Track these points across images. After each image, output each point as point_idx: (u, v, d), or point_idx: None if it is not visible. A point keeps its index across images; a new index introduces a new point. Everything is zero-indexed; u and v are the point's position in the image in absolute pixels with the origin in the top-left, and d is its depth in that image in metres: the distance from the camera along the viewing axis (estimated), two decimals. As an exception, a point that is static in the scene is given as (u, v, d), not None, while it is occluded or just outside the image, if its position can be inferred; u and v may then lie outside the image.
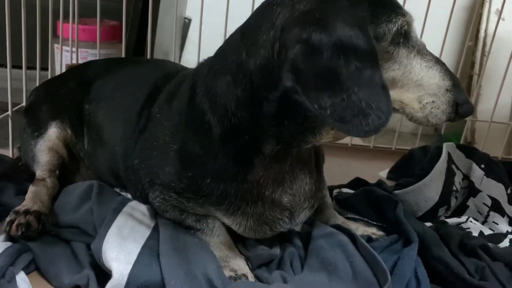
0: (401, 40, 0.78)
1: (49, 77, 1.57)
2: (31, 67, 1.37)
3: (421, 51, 0.81)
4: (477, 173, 1.27)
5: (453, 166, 1.26)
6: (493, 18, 2.11)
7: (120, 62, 1.30)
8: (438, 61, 0.82)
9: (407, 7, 1.50)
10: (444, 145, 1.29)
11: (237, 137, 0.84)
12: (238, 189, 0.88)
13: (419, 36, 0.83)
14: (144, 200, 1.01)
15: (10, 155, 1.28)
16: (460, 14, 2.19)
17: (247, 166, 0.86)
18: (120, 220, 0.93)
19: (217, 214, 0.93)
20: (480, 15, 2.13)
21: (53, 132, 1.14)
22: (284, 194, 0.92)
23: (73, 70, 1.34)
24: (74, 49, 1.60)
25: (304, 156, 0.91)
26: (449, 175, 1.22)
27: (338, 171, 1.33)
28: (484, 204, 1.23)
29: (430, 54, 0.82)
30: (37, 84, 1.41)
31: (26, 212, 0.97)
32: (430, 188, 1.19)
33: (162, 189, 0.95)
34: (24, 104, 1.33)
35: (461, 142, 1.83)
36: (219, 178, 0.88)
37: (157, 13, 1.89)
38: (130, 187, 1.06)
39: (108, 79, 1.20)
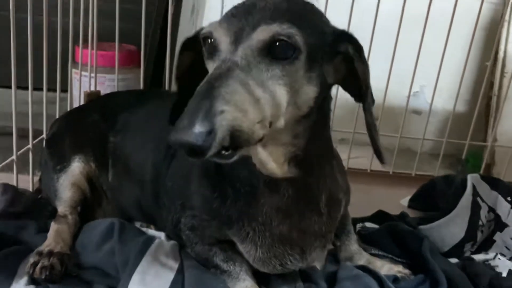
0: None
1: (69, 101, 1.58)
2: (51, 89, 1.37)
3: None
4: (503, 206, 1.25)
5: (478, 198, 1.24)
6: (512, 38, 2.08)
7: (145, 94, 1.29)
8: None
9: (429, 27, 1.53)
10: (469, 177, 1.27)
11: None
12: (242, 212, 0.88)
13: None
14: (175, 225, 1.00)
15: (30, 188, 1.27)
16: (478, 34, 2.16)
17: (243, 191, 0.87)
18: (143, 264, 0.92)
19: (234, 239, 0.92)
20: (499, 35, 2.10)
21: (76, 167, 1.13)
22: (293, 229, 0.90)
23: (95, 102, 1.33)
24: (92, 75, 1.60)
25: (304, 191, 0.89)
26: (475, 209, 1.20)
27: (357, 197, 1.30)
28: (512, 239, 1.21)
29: None
30: (57, 107, 1.41)
31: (50, 253, 0.96)
32: (455, 224, 1.17)
33: (191, 213, 0.95)
34: (44, 135, 1.33)
35: (482, 163, 1.82)
36: (224, 197, 0.89)
37: (176, 38, 1.88)
38: (163, 213, 1.05)
39: (136, 111, 1.19)
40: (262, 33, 0.70)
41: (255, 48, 0.71)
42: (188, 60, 0.87)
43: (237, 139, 0.64)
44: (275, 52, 0.71)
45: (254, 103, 0.68)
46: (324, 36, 0.77)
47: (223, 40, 0.73)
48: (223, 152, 0.65)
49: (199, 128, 0.60)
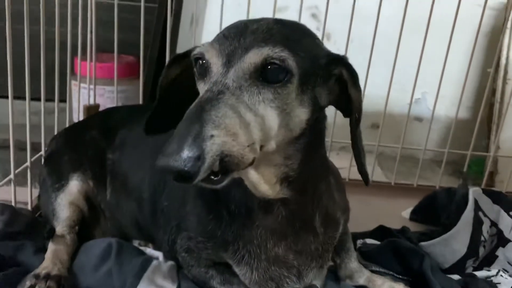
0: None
1: (67, 113, 1.57)
2: (49, 99, 1.36)
3: None
4: (506, 221, 1.23)
5: (480, 213, 1.23)
6: (515, 45, 2.07)
7: (144, 110, 1.27)
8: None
9: (430, 34, 1.51)
10: (470, 191, 1.26)
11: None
12: (237, 235, 0.87)
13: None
14: (171, 246, 0.99)
15: (29, 207, 1.26)
16: (480, 40, 2.15)
17: (237, 213, 0.87)
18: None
19: (229, 261, 0.91)
20: (501, 42, 2.08)
21: (74, 185, 1.12)
22: (289, 250, 0.89)
23: (94, 118, 1.32)
24: (91, 87, 1.59)
25: (298, 212, 0.88)
26: (477, 224, 1.19)
27: (359, 210, 1.30)
28: (514, 255, 1.19)
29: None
30: (55, 119, 1.39)
31: (47, 276, 0.95)
32: (457, 240, 1.15)
33: (187, 235, 0.94)
34: (43, 151, 1.32)
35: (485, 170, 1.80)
36: (219, 219, 0.88)
37: (175, 49, 1.87)
38: (159, 233, 1.05)
39: (134, 127, 1.17)
40: (254, 56, 0.70)
41: (246, 71, 0.70)
42: (174, 74, 0.87)
43: (227, 164, 0.64)
44: (267, 76, 0.71)
45: (245, 127, 0.67)
46: (317, 59, 0.76)
47: (215, 62, 0.72)
48: (212, 177, 0.65)
49: (187, 153, 0.59)
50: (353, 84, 0.77)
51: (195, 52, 0.76)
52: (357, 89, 0.77)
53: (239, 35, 0.72)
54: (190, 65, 0.80)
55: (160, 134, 0.88)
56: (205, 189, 0.89)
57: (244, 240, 0.87)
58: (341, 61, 0.78)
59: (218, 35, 0.76)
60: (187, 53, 0.83)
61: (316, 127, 0.82)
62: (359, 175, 0.83)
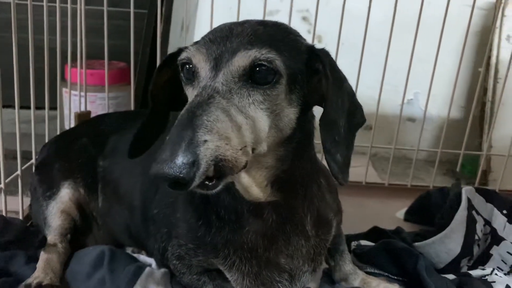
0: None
1: (58, 121, 1.56)
2: (39, 107, 1.34)
3: None
4: (499, 219, 1.23)
5: (473, 212, 1.22)
6: (504, 44, 2.08)
7: (135, 116, 1.26)
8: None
9: (420, 31, 1.52)
10: (463, 190, 1.26)
11: None
12: (228, 240, 0.87)
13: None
14: (162, 254, 0.98)
15: (20, 216, 1.25)
16: (470, 40, 2.16)
17: (227, 218, 0.86)
18: (134, 295, 0.91)
19: (220, 267, 0.90)
20: (491, 41, 2.09)
21: (65, 193, 1.11)
22: (280, 254, 0.88)
23: (85, 125, 1.31)
24: (82, 94, 1.59)
25: (289, 215, 0.87)
26: (470, 223, 1.18)
27: (352, 211, 1.29)
28: (509, 253, 1.19)
29: None
30: (46, 127, 1.38)
31: (38, 286, 0.94)
32: (451, 240, 1.15)
33: (177, 242, 0.93)
34: (33, 160, 1.31)
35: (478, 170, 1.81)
36: (209, 225, 0.87)
37: (166, 54, 1.87)
38: (150, 241, 1.04)
39: (124, 134, 1.16)
40: (242, 59, 0.70)
41: (235, 74, 0.70)
42: (165, 77, 0.87)
43: (221, 169, 0.64)
44: (255, 77, 0.71)
45: (237, 130, 0.67)
46: (301, 56, 0.77)
47: (202, 66, 0.73)
48: (207, 182, 0.64)
49: (182, 160, 0.59)
50: (324, 75, 0.76)
51: (181, 57, 0.75)
52: (327, 79, 0.76)
53: (225, 39, 0.72)
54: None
55: (144, 154, 0.89)
56: (194, 195, 0.89)
57: (235, 246, 0.87)
58: (318, 54, 0.78)
59: (203, 38, 0.76)
60: (178, 53, 0.82)
61: (305, 127, 0.83)
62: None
